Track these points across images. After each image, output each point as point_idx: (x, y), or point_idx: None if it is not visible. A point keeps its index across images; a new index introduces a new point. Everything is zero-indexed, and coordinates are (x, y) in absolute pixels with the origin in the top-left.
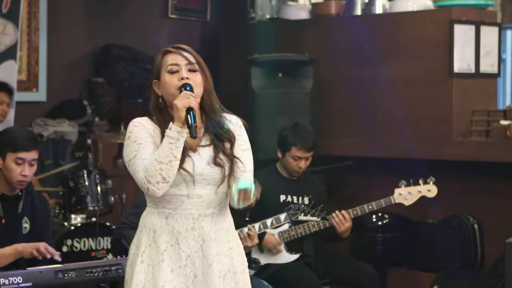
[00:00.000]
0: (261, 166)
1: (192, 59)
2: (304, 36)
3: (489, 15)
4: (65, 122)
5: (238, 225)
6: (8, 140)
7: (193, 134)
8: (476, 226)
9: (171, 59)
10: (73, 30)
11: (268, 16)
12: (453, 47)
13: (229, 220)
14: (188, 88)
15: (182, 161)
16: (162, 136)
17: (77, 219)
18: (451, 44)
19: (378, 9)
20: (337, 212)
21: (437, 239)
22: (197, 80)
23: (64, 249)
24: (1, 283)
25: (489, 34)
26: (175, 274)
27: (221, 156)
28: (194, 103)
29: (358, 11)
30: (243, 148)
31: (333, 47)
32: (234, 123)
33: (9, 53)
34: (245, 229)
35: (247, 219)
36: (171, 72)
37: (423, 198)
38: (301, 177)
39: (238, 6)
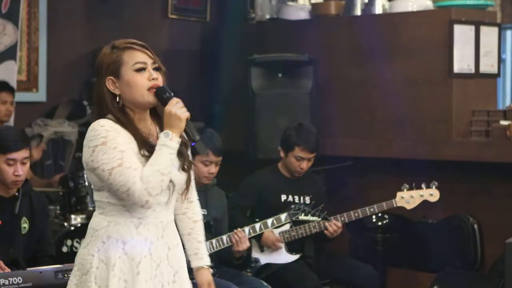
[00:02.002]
0: (261, 166)
1: (155, 58)
2: (304, 36)
3: (489, 15)
4: (65, 122)
5: (241, 224)
6: None
7: (203, 151)
8: (476, 226)
9: (135, 56)
10: (73, 30)
11: (268, 17)
12: (453, 47)
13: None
14: (172, 94)
15: None
16: (137, 141)
17: (77, 220)
18: (451, 44)
19: (378, 10)
20: (331, 222)
21: (437, 239)
22: (160, 80)
23: (64, 249)
24: (1, 283)
25: (489, 34)
26: (147, 285)
27: (186, 162)
28: (187, 112)
29: (358, 12)
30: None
31: (333, 47)
32: None
33: (9, 53)
34: (240, 231)
35: (257, 220)
36: (139, 70)
37: (424, 202)
38: (302, 176)
39: (238, 7)
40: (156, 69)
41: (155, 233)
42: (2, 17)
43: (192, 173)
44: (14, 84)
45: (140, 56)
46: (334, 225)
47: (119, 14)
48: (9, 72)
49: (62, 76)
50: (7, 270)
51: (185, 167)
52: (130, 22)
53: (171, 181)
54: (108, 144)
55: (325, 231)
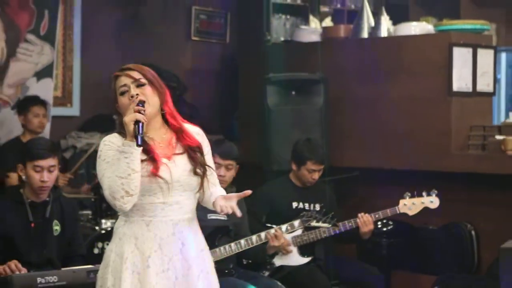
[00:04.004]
0: (275, 176)
1: (136, 75)
2: (315, 57)
3: (485, 38)
4: (97, 135)
5: (256, 229)
6: (26, 150)
7: (138, 143)
8: (473, 232)
9: (120, 81)
10: (104, 50)
11: (282, 39)
12: (452, 68)
13: (197, 222)
14: (140, 104)
15: (157, 169)
16: None
17: (107, 224)
18: (450, 65)
19: (383, 33)
20: (362, 214)
21: (437, 245)
22: (146, 93)
23: (95, 251)
24: (38, 282)
25: (485, 56)
26: (159, 278)
27: (198, 166)
28: (140, 115)
29: (365, 35)
30: (210, 157)
31: (342, 67)
32: (195, 132)
33: (46, 72)
34: (272, 230)
35: (267, 225)
36: (122, 94)
37: (425, 209)
38: (312, 186)
39: (255, 29)
40: (140, 84)
41: (165, 230)
42: (40, 38)
43: (211, 176)
44: (50, 99)
45: (122, 80)
46: (363, 217)
47: (146, 36)
48: (46, 88)
49: (94, 92)
50: (24, 270)
51: (197, 171)
52: (156, 43)
53: (164, 180)
54: (101, 157)
55: (360, 224)
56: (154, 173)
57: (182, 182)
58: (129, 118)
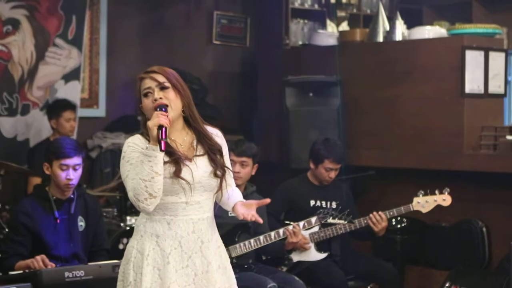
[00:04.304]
0: (294, 174)
1: (161, 79)
2: (332, 60)
3: (497, 42)
4: (122, 135)
5: (274, 226)
6: (52, 149)
7: (161, 148)
8: (484, 229)
9: (144, 84)
10: (129, 54)
11: (300, 42)
12: (464, 70)
13: (214, 221)
14: (163, 109)
15: (179, 170)
16: None
17: (131, 220)
18: (463, 67)
19: (398, 37)
20: (374, 213)
21: (449, 241)
22: (169, 97)
23: (120, 246)
24: (66, 276)
25: (497, 59)
26: (178, 274)
27: (219, 168)
28: (164, 120)
29: (380, 38)
30: (227, 158)
31: (358, 69)
32: (215, 134)
33: (74, 75)
34: (290, 227)
35: (286, 222)
36: (146, 96)
37: (438, 206)
38: (329, 184)
39: (274, 33)
40: (164, 88)
41: (186, 229)
42: (68, 43)
43: (228, 177)
44: (77, 101)
45: (146, 83)
46: (377, 215)
47: (169, 40)
48: (74, 91)
49: (119, 94)
50: (52, 265)
51: (217, 172)
52: (179, 47)
53: (186, 181)
54: (125, 158)
55: (371, 224)
56: (177, 175)
57: (203, 183)
58: (152, 123)
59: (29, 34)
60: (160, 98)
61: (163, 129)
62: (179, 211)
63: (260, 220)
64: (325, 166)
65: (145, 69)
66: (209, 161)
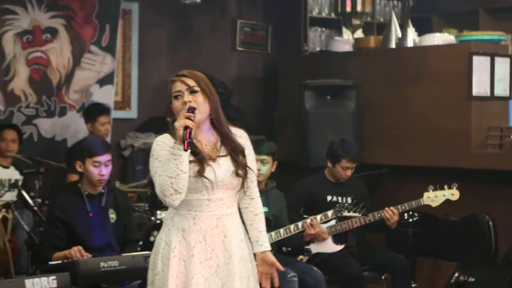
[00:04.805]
0: (312, 172)
1: (191, 83)
2: (348, 65)
3: (502, 48)
4: (152, 135)
5: (294, 220)
6: (84, 148)
7: (185, 147)
8: (490, 223)
9: (175, 86)
10: (159, 59)
11: (318, 49)
12: (472, 74)
13: (238, 216)
14: (191, 111)
15: (203, 170)
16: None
17: (161, 215)
18: (470, 72)
19: (409, 43)
20: (387, 208)
21: (458, 234)
22: (198, 100)
23: (151, 239)
24: (101, 266)
25: (502, 64)
26: (202, 266)
27: (240, 168)
28: (189, 122)
29: (393, 45)
30: (251, 158)
31: (372, 74)
32: (238, 135)
33: (108, 79)
34: (308, 220)
35: (304, 216)
36: (176, 98)
37: (447, 200)
38: (345, 181)
39: (294, 41)
40: (193, 91)
41: (209, 223)
42: (102, 49)
43: (250, 176)
44: (111, 104)
45: (177, 86)
46: (389, 210)
47: (196, 46)
48: (108, 94)
49: (150, 97)
50: (88, 255)
51: (239, 172)
52: (205, 53)
53: (209, 180)
54: (154, 156)
55: (386, 217)
56: (200, 174)
57: (226, 182)
58: (179, 124)
59: (66, 42)
60: (189, 101)
61: (188, 129)
62: (203, 207)
63: (281, 268)
64: (342, 165)
65: (174, 73)
66: (232, 161)
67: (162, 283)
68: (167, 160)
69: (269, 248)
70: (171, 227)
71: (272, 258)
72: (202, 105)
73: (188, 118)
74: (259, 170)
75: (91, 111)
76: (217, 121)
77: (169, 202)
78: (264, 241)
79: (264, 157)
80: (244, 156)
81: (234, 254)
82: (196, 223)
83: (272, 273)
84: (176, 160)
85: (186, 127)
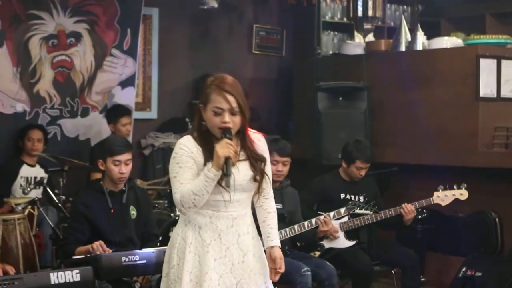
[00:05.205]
0: (325, 170)
1: (233, 103)
2: (359, 67)
3: (508, 51)
4: (171, 135)
5: (308, 216)
6: (106, 147)
7: (228, 184)
8: (497, 220)
9: (217, 101)
10: (178, 63)
11: (331, 52)
12: (479, 76)
13: (251, 215)
14: (228, 135)
15: (222, 180)
16: (204, 155)
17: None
18: (477, 74)
19: (419, 46)
20: (405, 204)
21: (465, 230)
22: (236, 121)
23: (171, 234)
24: (123, 260)
25: (508, 66)
26: (217, 263)
27: (258, 174)
28: (231, 152)
29: (403, 48)
30: (267, 162)
31: (383, 76)
32: (257, 139)
33: (129, 81)
34: (321, 217)
35: (319, 212)
36: (215, 113)
37: (455, 200)
38: (359, 180)
39: (307, 44)
40: (233, 113)
41: (225, 223)
42: (124, 53)
43: (265, 180)
44: (132, 105)
45: (221, 102)
46: (407, 207)
47: (214, 49)
48: (129, 95)
49: (170, 98)
50: (109, 250)
51: (257, 178)
52: (222, 56)
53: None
54: (176, 159)
55: (404, 213)
56: (220, 184)
57: (244, 185)
58: (222, 152)
59: (89, 46)
60: (229, 122)
61: (228, 161)
62: (221, 207)
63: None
64: (356, 165)
65: (192, 76)
66: (250, 166)
67: (177, 276)
68: (188, 168)
69: (279, 244)
70: (187, 223)
71: (276, 253)
72: (237, 125)
73: (229, 144)
74: (281, 171)
75: (113, 112)
76: (243, 133)
77: (183, 211)
78: (274, 237)
79: (286, 158)
80: (264, 163)
81: (249, 252)
82: (213, 222)
83: (276, 268)
84: (207, 183)
85: (227, 158)
